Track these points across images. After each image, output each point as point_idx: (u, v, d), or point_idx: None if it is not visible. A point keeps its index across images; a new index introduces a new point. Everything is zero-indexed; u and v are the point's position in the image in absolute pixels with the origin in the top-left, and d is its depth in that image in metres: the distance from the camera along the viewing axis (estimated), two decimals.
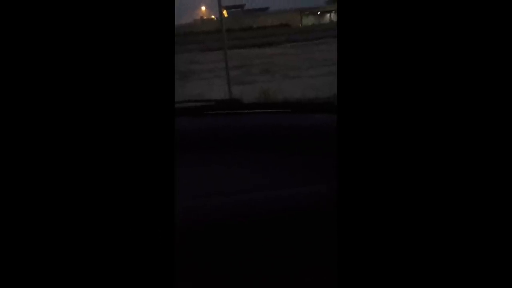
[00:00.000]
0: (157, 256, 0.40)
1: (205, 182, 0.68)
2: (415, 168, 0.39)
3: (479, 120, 0.38)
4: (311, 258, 0.62)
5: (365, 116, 0.40)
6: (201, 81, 6.28)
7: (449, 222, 0.39)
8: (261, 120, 0.85)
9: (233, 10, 29.68)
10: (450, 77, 0.39)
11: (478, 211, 0.38)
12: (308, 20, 25.39)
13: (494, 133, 0.38)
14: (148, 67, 0.41)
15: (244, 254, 0.61)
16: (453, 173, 0.39)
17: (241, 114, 0.89)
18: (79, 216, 0.40)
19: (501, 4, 0.38)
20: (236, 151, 0.77)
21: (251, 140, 0.79)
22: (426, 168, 0.39)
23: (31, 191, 0.39)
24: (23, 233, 0.39)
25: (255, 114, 0.89)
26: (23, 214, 0.39)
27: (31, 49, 0.39)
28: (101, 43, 0.40)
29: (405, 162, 0.39)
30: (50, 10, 0.39)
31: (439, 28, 0.39)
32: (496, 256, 0.38)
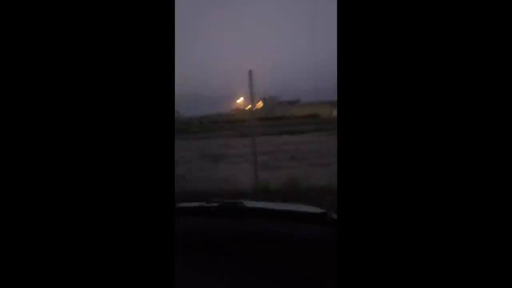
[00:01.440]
0: None
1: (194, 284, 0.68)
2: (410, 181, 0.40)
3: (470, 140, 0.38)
4: None
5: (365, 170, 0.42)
6: (231, 165, 6.55)
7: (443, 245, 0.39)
8: (259, 228, 0.86)
9: (267, 101, 32.32)
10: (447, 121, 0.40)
11: (474, 217, 0.38)
12: None
13: (486, 145, 0.38)
14: (149, 163, 0.42)
15: None
16: (446, 197, 0.39)
17: (241, 219, 0.91)
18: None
19: (498, 8, 0.37)
20: (232, 256, 0.77)
21: (248, 247, 0.79)
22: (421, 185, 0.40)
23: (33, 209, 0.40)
24: (24, 234, 0.39)
25: (255, 220, 0.90)
26: (24, 220, 0.39)
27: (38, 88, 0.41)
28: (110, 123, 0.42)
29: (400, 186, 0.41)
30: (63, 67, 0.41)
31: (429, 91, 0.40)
32: (495, 256, 0.37)
